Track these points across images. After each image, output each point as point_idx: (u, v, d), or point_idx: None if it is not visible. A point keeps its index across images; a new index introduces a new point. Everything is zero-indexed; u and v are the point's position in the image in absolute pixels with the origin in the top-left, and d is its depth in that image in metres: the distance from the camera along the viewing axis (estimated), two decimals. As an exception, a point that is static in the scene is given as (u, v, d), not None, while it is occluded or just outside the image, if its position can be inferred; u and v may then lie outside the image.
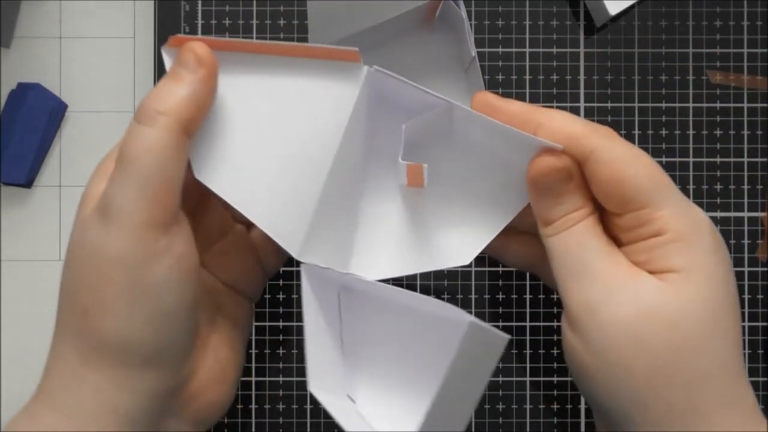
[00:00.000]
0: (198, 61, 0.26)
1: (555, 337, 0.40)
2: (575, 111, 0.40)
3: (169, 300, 0.26)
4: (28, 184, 0.40)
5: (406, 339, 0.28)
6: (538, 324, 0.40)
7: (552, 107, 0.40)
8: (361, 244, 0.30)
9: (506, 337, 0.24)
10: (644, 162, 0.27)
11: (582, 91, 0.40)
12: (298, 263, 0.28)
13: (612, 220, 0.28)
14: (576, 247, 0.27)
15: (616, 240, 0.28)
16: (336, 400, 0.27)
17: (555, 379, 0.40)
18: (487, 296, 0.40)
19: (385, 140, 0.30)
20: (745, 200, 0.40)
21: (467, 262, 0.30)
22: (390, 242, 0.30)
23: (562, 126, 0.27)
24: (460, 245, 0.30)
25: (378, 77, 0.28)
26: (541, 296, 0.40)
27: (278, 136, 0.27)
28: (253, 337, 0.39)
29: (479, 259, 0.40)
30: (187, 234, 0.27)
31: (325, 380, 0.27)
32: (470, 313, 0.40)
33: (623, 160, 0.26)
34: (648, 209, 0.26)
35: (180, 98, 0.26)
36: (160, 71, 0.40)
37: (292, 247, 0.27)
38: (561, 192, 0.28)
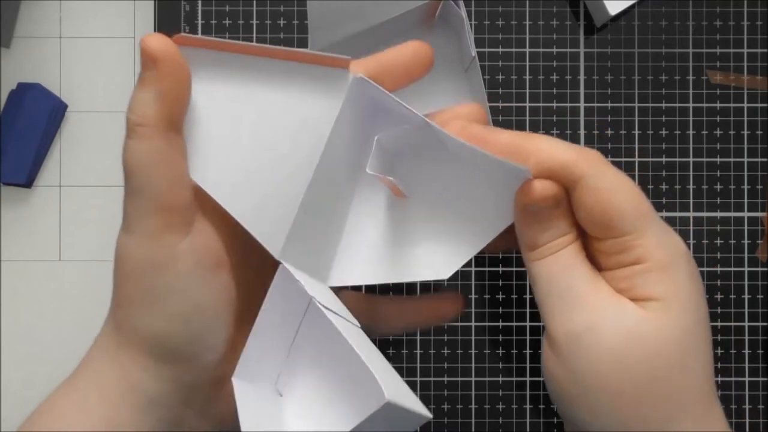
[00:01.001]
0: (152, 59, 0.26)
1: (555, 337, 0.40)
2: (575, 111, 0.40)
3: (196, 296, 0.27)
4: (28, 184, 0.40)
5: (341, 366, 0.28)
6: (538, 324, 0.40)
7: (552, 106, 0.40)
8: (344, 251, 0.31)
9: (427, 416, 0.25)
10: (630, 190, 0.27)
11: (582, 91, 0.40)
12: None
13: (593, 245, 0.29)
14: (560, 273, 0.28)
15: (596, 264, 0.29)
16: (258, 392, 0.28)
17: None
18: (487, 296, 0.40)
19: (370, 147, 0.30)
20: (745, 200, 0.40)
21: (446, 277, 0.30)
22: (371, 251, 0.31)
23: (550, 155, 0.27)
24: (441, 259, 0.30)
25: (362, 85, 0.28)
26: (541, 296, 0.40)
27: (263, 137, 0.27)
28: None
29: (479, 259, 0.40)
30: (210, 232, 0.28)
31: (254, 372, 0.28)
32: (470, 311, 0.40)
33: (610, 189, 0.27)
34: (630, 236, 0.27)
35: (150, 102, 0.26)
36: (160, 71, 0.40)
37: (273, 247, 0.27)
38: (548, 218, 0.28)
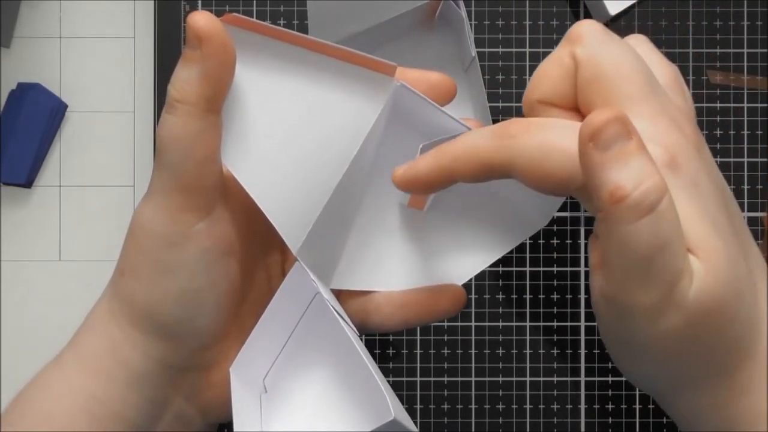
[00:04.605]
0: (198, 38, 0.25)
1: (555, 338, 0.40)
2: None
3: (199, 280, 0.27)
4: (28, 184, 0.40)
5: (341, 372, 0.28)
6: (538, 324, 0.40)
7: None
8: (350, 252, 0.30)
9: None
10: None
11: (582, 91, 0.40)
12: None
13: None
14: (668, 231, 0.22)
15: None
16: (247, 385, 0.28)
17: (555, 379, 0.40)
18: (487, 296, 0.40)
19: (393, 156, 0.30)
20: (745, 200, 0.40)
21: (459, 284, 0.30)
22: (377, 255, 0.31)
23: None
24: (454, 268, 0.30)
25: (402, 92, 0.28)
26: (541, 296, 0.40)
27: (299, 133, 0.27)
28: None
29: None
30: (228, 219, 0.28)
31: (250, 366, 0.28)
32: (470, 312, 0.40)
33: (603, 61, 0.26)
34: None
35: (192, 81, 0.25)
36: (159, 71, 0.40)
37: (293, 243, 0.27)
38: (626, 152, 0.22)
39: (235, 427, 0.26)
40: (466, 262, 0.30)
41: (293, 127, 0.27)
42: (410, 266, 0.31)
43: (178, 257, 0.27)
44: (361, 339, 0.27)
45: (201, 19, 0.25)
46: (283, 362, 0.29)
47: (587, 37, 0.26)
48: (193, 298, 0.27)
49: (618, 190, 0.22)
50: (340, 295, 0.31)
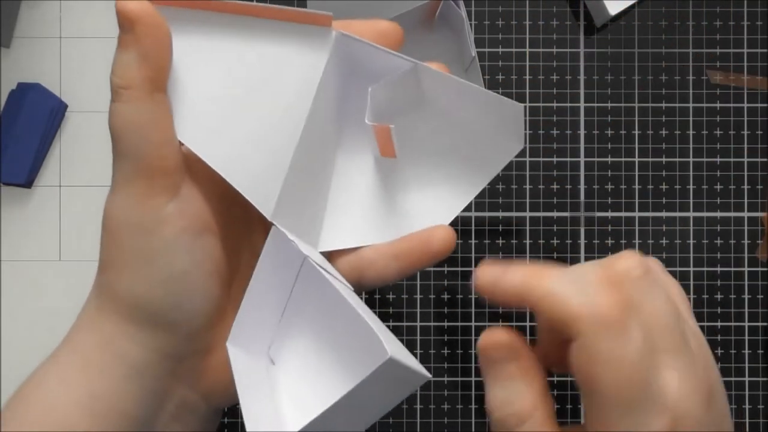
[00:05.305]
0: (129, 20, 0.25)
1: (555, 337, 0.40)
2: (575, 111, 0.40)
3: (182, 262, 0.27)
4: (28, 184, 0.40)
5: (337, 328, 0.28)
6: (538, 324, 0.40)
7: (552, 106, 0.40)
8: (332, 213, 0.30)
9: (427, 376, 0.24)
10: (620, 372, 0.24)
11: (582, 91, 0.40)
12: None
13: None
14: None
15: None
16: (250, 360, 0.27)
17: (555, 379, 0.40)
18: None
19: (356, 107, 0.30)
20: (745, 200, 0.40)
21: (447, 222, 0.30)
22: (361, 210, 0.30)
23: (554, 306, 0.24)
24: (439, 205, 0.30)
25: (345, 41, 0.28)
26: (541, 296, 0.40)
27: (249, 97, 0.27)
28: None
29: (479, 259, 0.40)
30: (197, 197, 0.28)
31: (248, 338, 0.28)
32: (470, 312, 0.40)
33: (597, 361, 0.24)
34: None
35: (132, 64, 0.25)
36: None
37: (265, 208, 0.27)
38: (505, 375, 0.26)
39: (242, 404, 0.25)
40: (449, 199, 0.30)
41: (242, 94, 0.27)
42: (394, 215, 0.30)
43: (155, 243, 0.26)
44: (361, 298, 0.27)
45: (128, 3, 0.25)
46: (286, 330, 0.29)
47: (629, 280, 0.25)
48: (179, 281, 0.27)
49: (487, 403, 0.26)
50: (330, 256, 0.31)
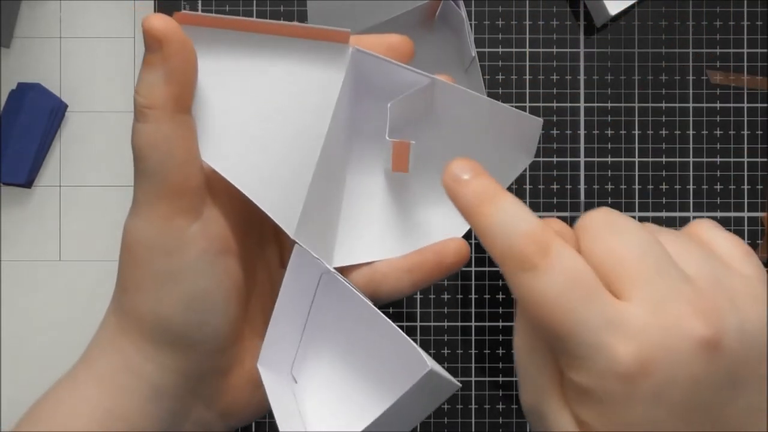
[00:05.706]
0: (157, 40, 0.25)
1: (555, 337, 0.40)
2: (575, 111, 0.40)
3: (204, 283, 0.27)
4: (28, 184, 0.40)
5: (366, 342, 0.28)
6: (538, 324, 0.40)
7: (552, 106, 0.40)
8: (345, 228, 0.30)
9: (458, 385, 0.25)
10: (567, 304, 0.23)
11: (582, 91, 0.40)
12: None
13: None
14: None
15: None
16: (278, 380, 0.28)
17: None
18: (487, 296, 0.40)
19: (368, 122, 0.30)
20: (745, 200, 0.40)
21: (460, 235, 0.30)
22: (373, 224, 0.30)
23: (500, 233, 0.24)
24: (449, 220, 0.30)
25: (360, 57, 0.28)
26: (541, 296, 0.40)
27: (271, 115, 0.27)
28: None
29: (479, 259, 0.40)
30: (219, 217, 0.27)
31: (276, 359, 0.28)
32: (470, 314, 0.40)
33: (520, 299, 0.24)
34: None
35: (157, 84, 0.25)
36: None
37: (288, 226, 0.27)
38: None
39: (280, 427, 0.25)
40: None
41: (263, 112, 0.27)
42: (407, 229, 0.30)
43: (178, 264, 0.26)
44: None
45: (156, 22, 0.25)
46: (306, 349, 0.29)
47: (590, 228, 0.25)
48: (201, 302, 0.27)
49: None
50: (343, 272, 0.31)
